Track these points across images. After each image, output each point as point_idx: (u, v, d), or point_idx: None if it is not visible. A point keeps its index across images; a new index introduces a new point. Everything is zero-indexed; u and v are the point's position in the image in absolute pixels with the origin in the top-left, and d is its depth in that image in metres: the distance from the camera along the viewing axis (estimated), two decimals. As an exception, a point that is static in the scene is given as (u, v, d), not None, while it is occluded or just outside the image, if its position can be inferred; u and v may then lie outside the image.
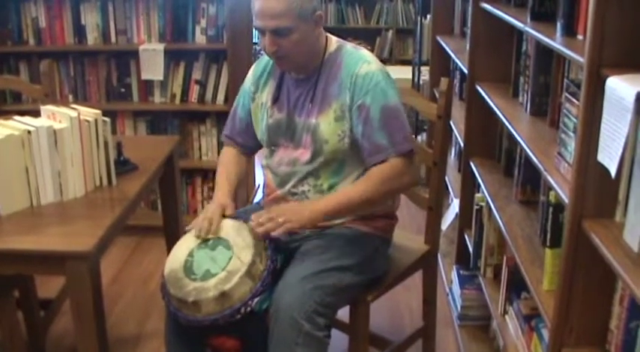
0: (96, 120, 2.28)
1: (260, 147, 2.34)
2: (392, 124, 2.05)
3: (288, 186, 2.19)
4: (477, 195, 2.79)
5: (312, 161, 2.14)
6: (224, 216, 2.08)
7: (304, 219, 1.99)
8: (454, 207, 3.38)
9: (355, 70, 2.08)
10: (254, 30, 3.55)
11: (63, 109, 2.25)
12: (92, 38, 3.82)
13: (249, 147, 2.35)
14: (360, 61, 2.10)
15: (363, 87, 2.06)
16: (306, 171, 2.15)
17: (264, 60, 2.26)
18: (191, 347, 2.09)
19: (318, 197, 2.14)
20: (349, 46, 2.18)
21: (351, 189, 2.08)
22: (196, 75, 3.83)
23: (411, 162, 2.10)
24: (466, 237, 3.04)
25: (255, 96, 2.27)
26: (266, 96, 2.23)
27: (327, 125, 2.09)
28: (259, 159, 2.37)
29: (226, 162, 2.32)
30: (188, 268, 1.98)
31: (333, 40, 2.18)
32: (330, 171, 2.14)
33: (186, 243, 2.06)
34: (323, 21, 2.10)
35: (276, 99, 2.20)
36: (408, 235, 2.56)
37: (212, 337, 2.04)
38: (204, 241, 2.04)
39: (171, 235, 2.71)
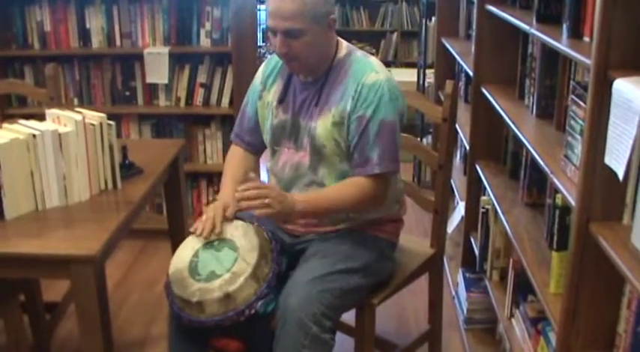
0: (101, 124, 2.28)
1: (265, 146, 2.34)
2: (386, 141, 2.05)
3: (292, 192, 2.18)
4: (483, 198, 2.78)
5: (313, 166, 2.13)
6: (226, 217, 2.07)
7: (283, 211, 1.97)
8: (460, 210, 3.37)
9: (362, 79, 2.06)
10: (259, 33, 3.56)
11: (68, 113, 2.25)
12: (97, 42, 3.83)
13: (256, 146, 2.33)
14: (368, 69, 2.08)
15: (368, 98, 2.04)
16: (310, 179, 2.15)
17: (275, 59, 2.25)
18: (194, 349, 2.09)
19: None
20: (359, 52, 2.16)
21: (331, 194, 2.08)
22: (201, 78, 3.83)
23: (388, 183, 2.12)
24: (472, 240, 3.03)
25: (263, 94, 2.26)
26: (272, 95, 2.23)
27: (324, 129, 2.09)
28: (265, 161, 2.36)
29: (232, 162, 2.31)
30: (193, 268, 1.98)
31: (344, 45, 2.16)
32: (334, 178, 2.13)
33: (191, 243, 2.06)
34: (336, 25, 2.09)
35: (281, 100, 2.19)
36: (413, 238, 2.55)
37: (215, 338, 2.04)
38: (209, 242, 2.04)
39: (177, 239, 2.70)
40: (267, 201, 1.93)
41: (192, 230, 2.07)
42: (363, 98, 2.05)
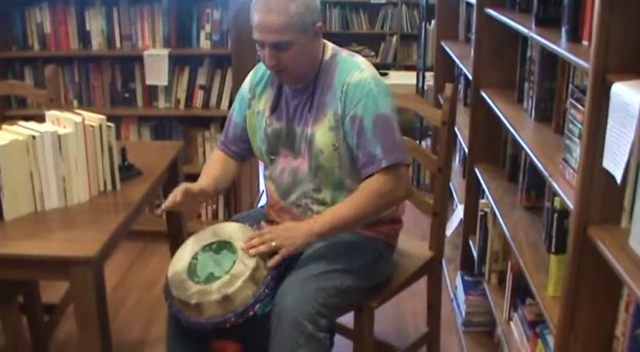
0: (100, 126, 2.28)
1: (252, 154, 2.32)
2: (384, 133, 2.03)
3: (291, 198, 2.18)
4: (482, 201, 2.79)
5: (312, 173, 2.12)
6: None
7: (298, 244, 1.98)
8: (458, 212, 3.38)
9: (347, 79, 2.05)
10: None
11: (67, 114, 2.26)
12: (97, 43, 3.83)
13: (241, 155, 2.33)
14: (353, 68, 2.07)
15: (355, 96, 2.03)
16: (307, 186, 2.14)
17: (263, 67, 2.23)
18: (192, 351, 2.09)
19: (322, 209, 2.12)
20: (344, 53, 2.16)
21: (345, 206, 2.05)
22: (201, 80, 3.83)
23: (402, 173, 2.08)
24: (470, 242, 3.03)
25: (252, 103, 2.25)
26: (263, 104, 2.22)
27: (322, 134, 2.08)
28: (263, 168, 2.35)
29: (211, 162, 2.30)
30: (192, 270, 1.98)
31: (329, 47, 2.16)
32: (331, 185, 2.12)
33: (190, 246, 2.06)
34: (322, 31, 2.08)
35: (274, 109, 2.19)
36: (412, 241, 2.55)
37: (214, 340, 2.04)
38: (208, 244, 2.04)
39: (175, 240, 2.70)
40: (274, 244, 1.95)
41: (158, 211, 2.08)
42: (351, 97, 2.04)
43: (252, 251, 1.94)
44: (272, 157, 2.22)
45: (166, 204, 2.04)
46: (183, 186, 2.06)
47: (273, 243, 1.95)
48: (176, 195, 2.04)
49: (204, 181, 2.18)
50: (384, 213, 2.21)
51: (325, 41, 2.16)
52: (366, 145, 2.03)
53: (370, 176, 2.04)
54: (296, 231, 2.00)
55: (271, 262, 1.95)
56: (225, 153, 2.32)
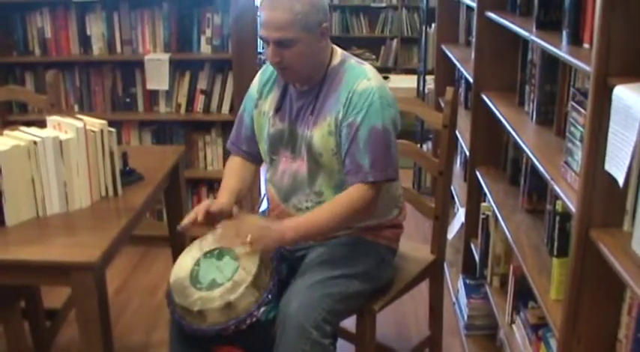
0: (101, 131, 2.28)
1: None
2: (377, 148, 2.02)
3: (292, 202, 2.18)
4: (483, 204, 2.78)
5: (311, 175, 2.12)
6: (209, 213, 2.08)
7: (268, 247, 1.98)
8: (460, 216, 3.38)
9: (353, 86, 2.05)
10: (259, 39, 3.56)
11: (68, 120, 2.26)
12: (97, 48, 3.83)
13: (255, 155, 2.32)
14: (361, 76, 2.07)
15: (358, 105, 2.03)
16: (308, 189, 2.14)
17: (270, 67, 2.23)
18: None
19: None
20: (353, 60, 2.15)
21: (320, 215, 2.04)
22: (201, 85, 3.83)
23: (380, 191, 2.07)
24: (472, 246, 3.03)
25: (259, 103, 2.25)
26: (269, 104, 2.22)
27: (321, 138, 2.08)
28: (264, 171, 2.35)
29: (229, 173, 2.30)
30: (194, 277, 1.98)
31: (338, 53, 2.15)
32: (333, 187, 2.12)
33: (192, 252, 2.06)
34: (329, 33, 2.09)
35: (278, 109, 2.19)
36: (414, 244, 2.55)
37: (217, 346, 2.04)
38: (210, 250, 2.04)
39: (177, 245, 2.70)
40: (248, 239, 1.94)
41: (178, 228, 2.09)
42: (354, 105, 2.03)
43: (224, 243, 1.94)
44: (273, 157, 2.22)
45: (185, 222, 2.06)
46: (205, 205, 2.07)
47: (249, 237, 1.95)
48: (197, 214, 2.05)
49: (224, 197, 2.18)
50: (383, 219, 2.21)
51: (334, 46, 2.16)
52: (355, 153, 2.03)
53: (355, 183, 2.04)
54: (269, 233, 2.00)
55: (238, 250, 1.95)
56: (239, 155, 2.32)
